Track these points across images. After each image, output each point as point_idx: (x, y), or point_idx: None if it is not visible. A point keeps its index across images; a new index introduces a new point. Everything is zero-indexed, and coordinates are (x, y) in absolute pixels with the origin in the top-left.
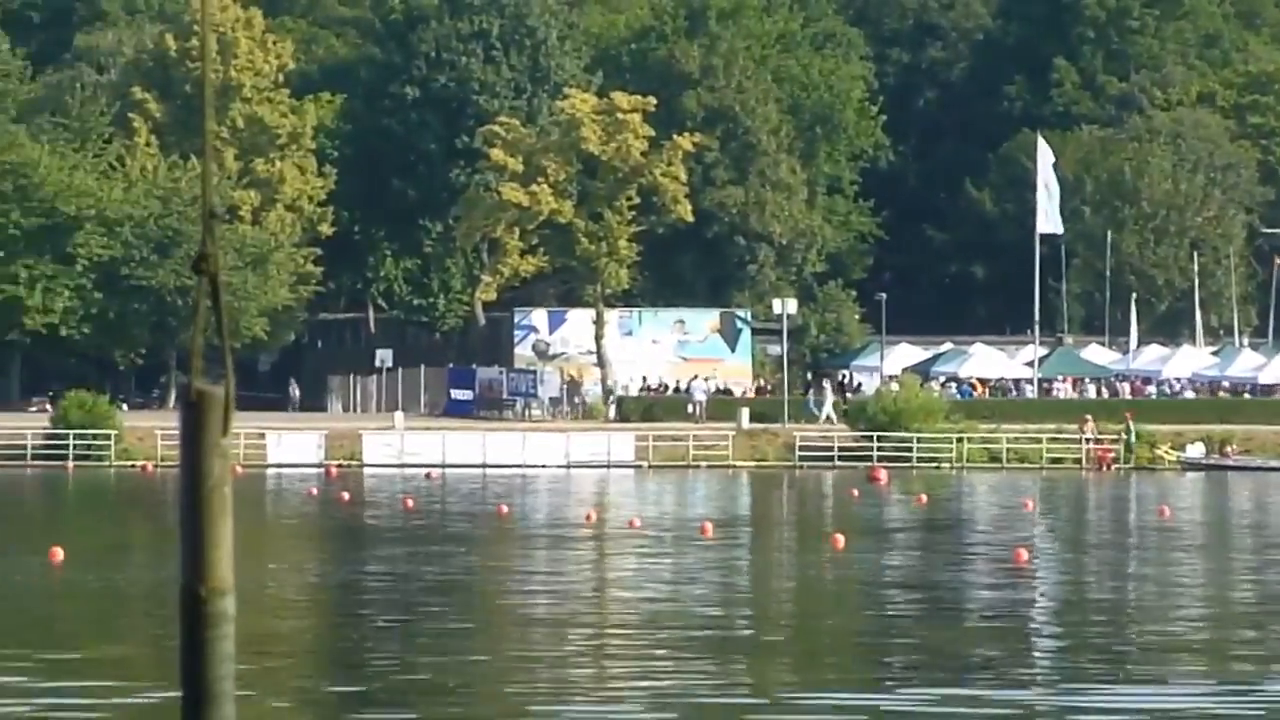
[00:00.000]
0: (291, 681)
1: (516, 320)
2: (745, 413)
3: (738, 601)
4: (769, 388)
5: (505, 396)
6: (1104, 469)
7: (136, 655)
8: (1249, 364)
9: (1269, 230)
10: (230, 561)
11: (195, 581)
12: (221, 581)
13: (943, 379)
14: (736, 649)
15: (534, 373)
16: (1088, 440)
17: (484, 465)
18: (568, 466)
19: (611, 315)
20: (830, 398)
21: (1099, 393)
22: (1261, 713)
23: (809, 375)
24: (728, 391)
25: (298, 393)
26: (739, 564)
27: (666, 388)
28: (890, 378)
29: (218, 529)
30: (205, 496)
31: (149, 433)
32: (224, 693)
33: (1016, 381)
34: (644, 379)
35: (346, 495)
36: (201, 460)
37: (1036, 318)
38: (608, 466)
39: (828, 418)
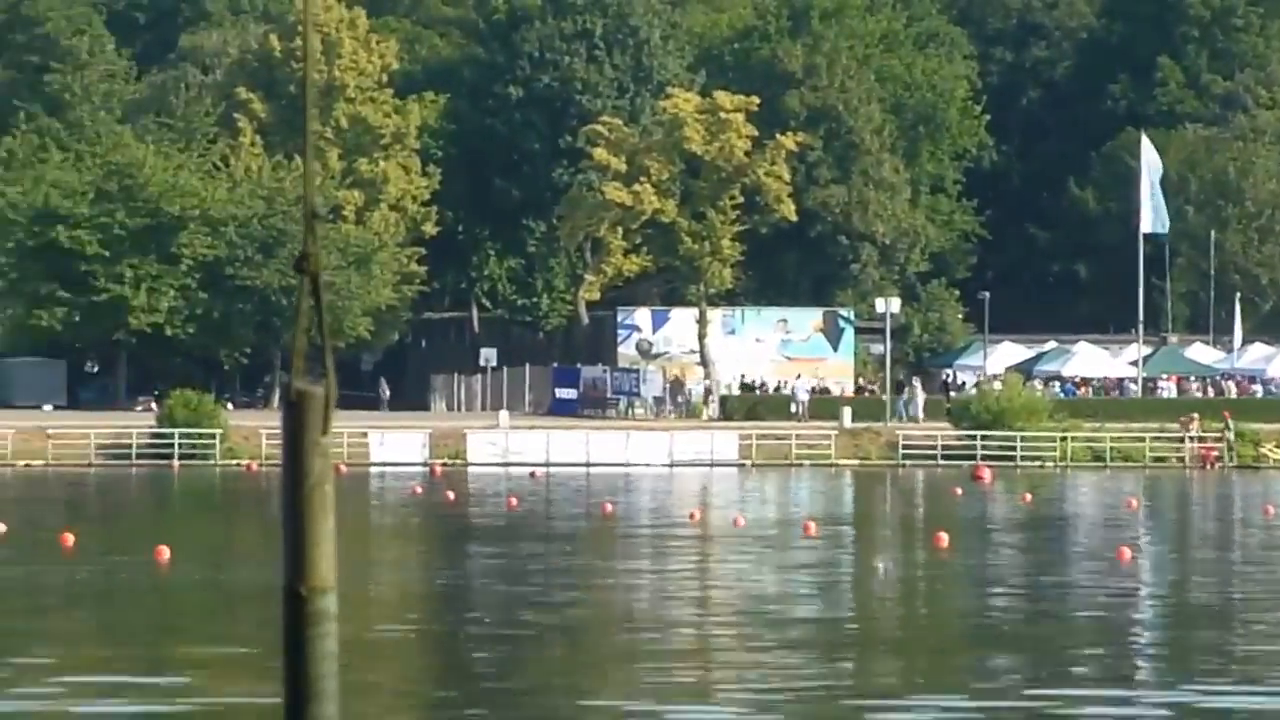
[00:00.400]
0: (396, 681)
1: (620, 319)
2: (848, 411)
3: (841, 601)
4: (868, 387)
5: (609, 395)
6: (1208, 468)
7: (241, 654)
8: None
9: None
10: (332, 560)
11: (297, 580)
12: (323, 580)
13: (1046, 378)
14: (840, 649)
15: (637, 372)
16: (1192, 439)
17: (587, 464)
18: (671, 465)
19: (714, 314)
20: (920, 397)
21: (1204, 392)
22: None
23: (901, 375)
24: (825, 391)
25: (388, 392)
26: (842, 563)
27: (765, 386)
28: (993, 377)
29: (319, 528)
30: (306, 495)
31: (254, 431)
32: (326, 691)
33: (1120, 380)
34: (740, 377)
35: (451, 494)
36: (302, 459)
37: (1140, 317)
38: (711, 465)
39: (914, 417)
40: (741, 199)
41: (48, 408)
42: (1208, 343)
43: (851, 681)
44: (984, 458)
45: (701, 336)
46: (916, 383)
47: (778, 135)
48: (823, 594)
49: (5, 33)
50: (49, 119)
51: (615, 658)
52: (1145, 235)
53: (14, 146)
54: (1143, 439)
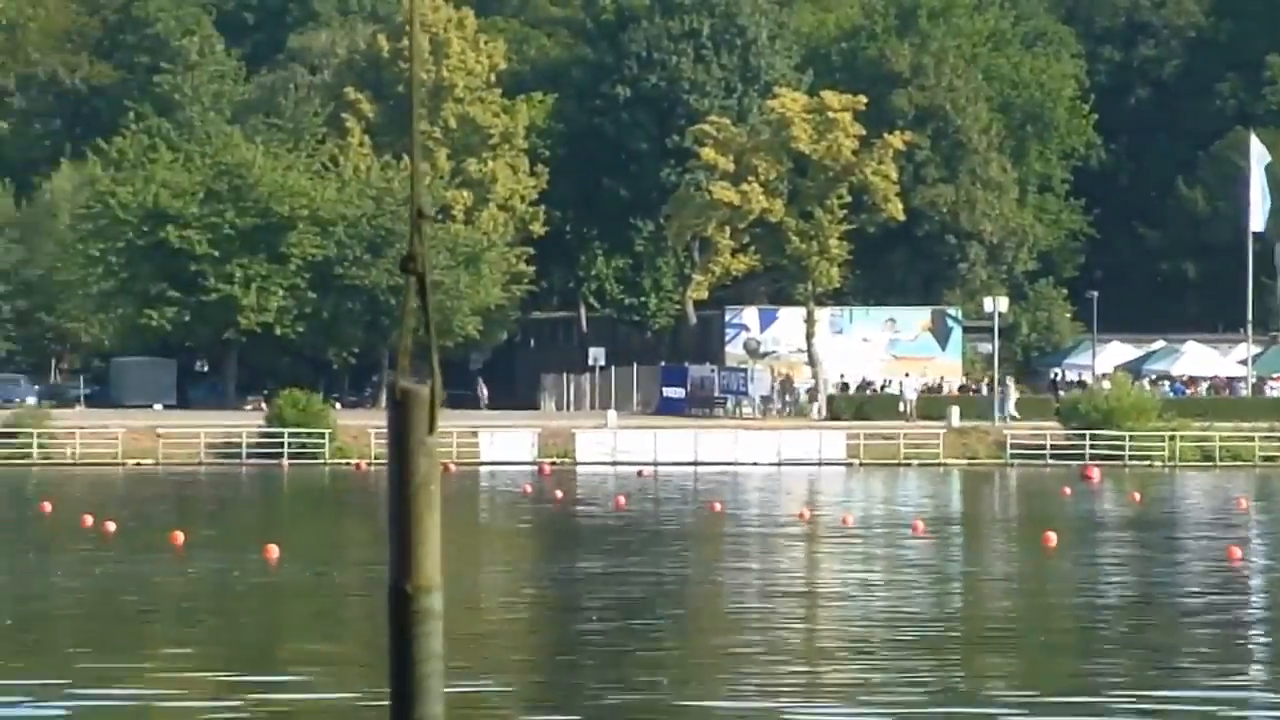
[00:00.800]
0: (505, 678)
1: (727, 319)
2: (956, 410)
3: (949, 600)
4: (973, 386)
5: (717, 395)
6: None
7: (349, 652)
8: None
9: None
10: (437, 559)
11: (402, 579)
12: (428, 579)
13: (1154, 377)
14: (948, 648)
15: (745, 371)
16: None
17: (695, 463)
18: (779, 464)
19: (822, 313)
20: (1014, 395)
21: None
22: None
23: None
24: (936, 389)
25: (486, 391)
26: (950, 562)
27: (870, 385)
28: (1102, 376)
29: (425, 527)
30: (412, 494)
31: (362, 431)
32: (431, 690)
33: (1229, 380)
34: (840, 376)
35: (559, 493)
36: (408, 458)
37: (1249, 316)
38: (819, 464)
39: (1010, 415)
40: (849, 198)
41: (158, 407)
42: None
43: (959, 681)
44: (1092, 457)
45: (809, 336)
46: (1010, 381)
47: (885, 134)
48: (930, 592)
49: (116, 33)
50: (159, 119)
51: (723, 655)
52: (1254, 234)
53: (124, 147)
54: (1252, 438)
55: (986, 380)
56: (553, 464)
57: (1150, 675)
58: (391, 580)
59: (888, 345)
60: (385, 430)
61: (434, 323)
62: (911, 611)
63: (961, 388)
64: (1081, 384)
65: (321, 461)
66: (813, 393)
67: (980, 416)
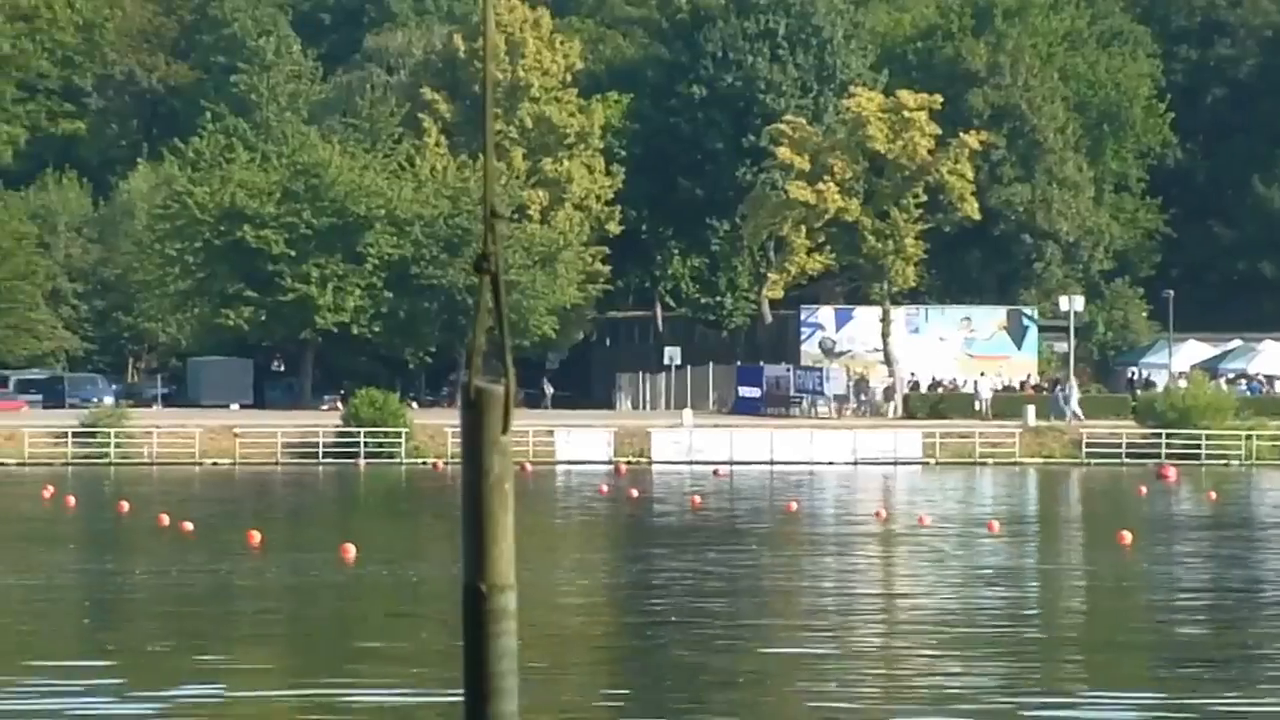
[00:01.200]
0: (581, 677)
1: (803, 318)
2: (1031, 410)
3: (1025, 600)
4: (1045, 386)
5: (792, 394)
6: None
7: (425, 651)
8: None
9: None
10: (511, 558)
11: (476, 578)
12: (502, 578)
13: (1231, 375)
14: (1025, 649)
15: (820, 370)
16: None
17: (771, 462)
18: (854, 464)
19: (898, 313)
20: (1076, 394)
21: None
22: None
23: (1059, 372)
24: (1010, 389)
25: (551, 390)
26: (1026, 561)
27: (939, 384)
28: (1179, 375)
29: (498, 526)
30: (486, 494)
31: (439, 430)
32: (506, 688)
33: None
34: (911, 374)
35: (635, 492)
36: (482, 458)
37: None
38: (894, 464)
39: (1074, 414)
40: (925, 197)
41: (235, 407)
42: None
43: (1036, 682)
44: (1169, 456)
45: (885, 335)
46: (1073, 380)
47: (961, 134)
48: (1006, 592)
49: (193, 34)
50: (236, 119)
51: (799, 656)
52: None
53: (201, 147)
54: None
55: (1062, 379)
56: (628, 463)
57: (1225, 677)
58: (465, 579)
59: (963, 344)
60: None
61: (507, 322)
62: (985, 611)
63: (1035, 386)
64: (1148, 384)
65: (398, 461)
66: (889, 392)
67: (1042, 416)
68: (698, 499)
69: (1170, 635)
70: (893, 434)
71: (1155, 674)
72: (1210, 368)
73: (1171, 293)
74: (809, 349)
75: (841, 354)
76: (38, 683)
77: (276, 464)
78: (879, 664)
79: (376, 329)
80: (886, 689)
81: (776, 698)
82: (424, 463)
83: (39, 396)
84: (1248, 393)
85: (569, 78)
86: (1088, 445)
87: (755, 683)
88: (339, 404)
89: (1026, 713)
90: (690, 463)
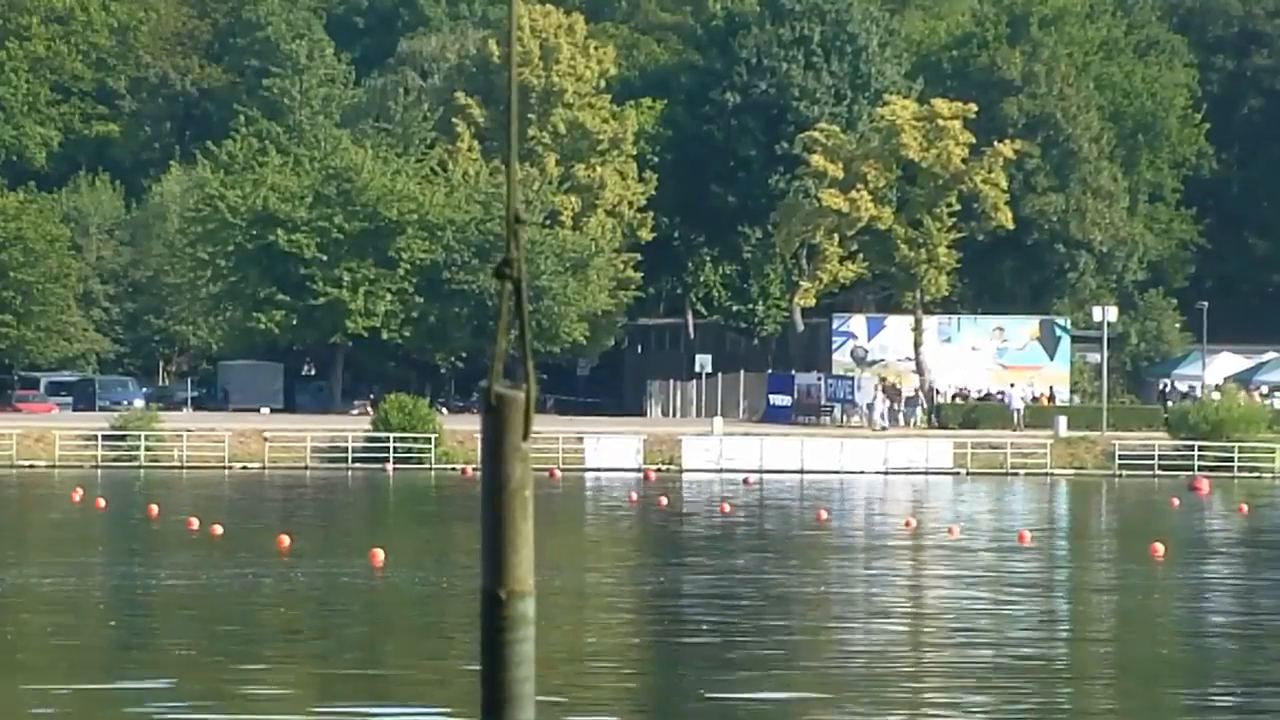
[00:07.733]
0: (605, 687)
1: (835, 326)
2: (1063, 420)
3: (1055, 615)
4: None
5: (823, 402)
6: None
7: (450, 657)
8: None
9: None
10: (530, 565)
11: (494, 584)
12: (521, 584)
13: (1265, 388)
14: (1053, 668)
15: (852, 379)
16: None
17: (801, 470)
18: (885, 473)
19: (930, 322)
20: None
21: None
22: None
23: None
24: (1048, 398)
25: (550, 401)
26: (1056, 574)
27: (964, 393)
28: (1215, 387)
29: (518, 532)
30: (506, 500)
31: (469, 435)
32: (523, 695)
33: None
34: (929, 383)
35: (664, 500)
36: (502, 464)
37: None
38: (925, 473)
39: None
40: (958, 206)
41: (265, 410)
42: None
43: (1064, 705)
44: (1201, 468)
45: (917, 344)
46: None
47: (995, 143)
48: (1035, 606)
49: (226, 37)
50: (268, 123)
51: (827, 670)
52: None
53: (234, 150)
54: None
55: (1094, 389)
56: (658, 470)
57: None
58: (484, 585)
59: (995, 354)
60: None
61: (529, 328)
62: (1013, 625)
63: (1051, 397)
64: (1185, 394)
65: (427, 466)
66: (911, 401)
67: (1091, 427)
68: (726, 507)
69: (1201, 654)
70: (924, 443)
71: (1184, 696)
72: (1244, 380)
73: (1205, 304)
74: (841, 357)
75: (873, 363)
76: (61, 686)
77: (306, 468)
78: (908, 681)
79: (407, 334)
80: (915, 707)
81: (803, 711)
82: (453, 468)
83: (69, 399)
84: None
85: (602, 83)
86: (1120, 457)
87: (782, 665)
88: (369, 408)
89: None
90: (720, 470)
